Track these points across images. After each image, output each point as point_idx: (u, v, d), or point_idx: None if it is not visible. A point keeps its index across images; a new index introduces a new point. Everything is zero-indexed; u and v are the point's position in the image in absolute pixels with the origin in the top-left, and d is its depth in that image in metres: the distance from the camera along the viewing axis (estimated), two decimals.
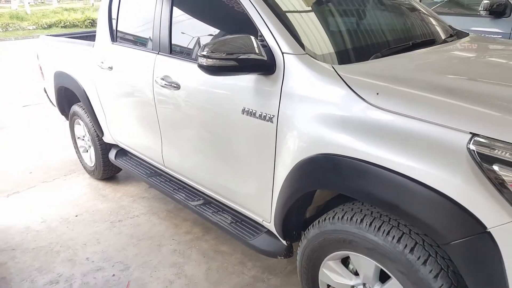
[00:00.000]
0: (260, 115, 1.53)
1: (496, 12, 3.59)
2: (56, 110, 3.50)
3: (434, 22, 2.13)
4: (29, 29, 16.58)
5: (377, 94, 1.22)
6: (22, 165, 3.54)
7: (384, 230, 1.24)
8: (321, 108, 1.34)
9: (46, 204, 2.86)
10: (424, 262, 1.16)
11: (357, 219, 1.31)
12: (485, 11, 3.57)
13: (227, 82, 1.66)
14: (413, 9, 2.17)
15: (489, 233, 0.98)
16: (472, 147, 1.01)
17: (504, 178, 0.97)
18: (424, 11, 2.19)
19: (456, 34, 2.06)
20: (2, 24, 16.55)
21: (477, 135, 1.01)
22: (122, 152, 2.83)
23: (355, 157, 1.21)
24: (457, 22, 3.92)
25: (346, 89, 1.29)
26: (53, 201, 2.90)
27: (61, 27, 17.24)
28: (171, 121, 2.06)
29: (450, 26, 2.18)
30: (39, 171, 3.40)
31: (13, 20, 17.93)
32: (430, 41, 1.81)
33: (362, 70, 1.39)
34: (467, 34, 2.12)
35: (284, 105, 1.45)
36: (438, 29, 2.06)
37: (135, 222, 2.61)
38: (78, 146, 3.32)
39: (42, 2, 28.88)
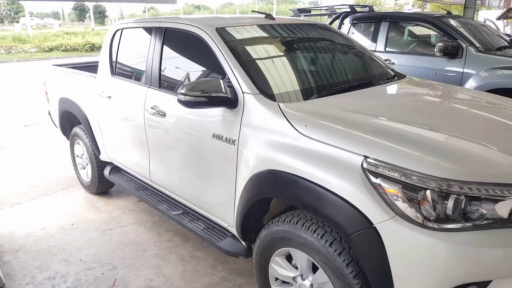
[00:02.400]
0: (226, 139, 1.94)
1: (450, 54, 4.10)
2: (55, 131, 3.89)
3: (377, 65, 2.59)
4: (31, 52, 17.19)
5: (305, 126, 1.64)
6: (24, 179, 3.90)
7: (312, 229, 1.62)
8: (268, 135, 1.76)
9: (46, 214, 3.21)
10: (339, 254, 1.54)
11: (294, 221, 1.69)
12: (439, 53, 4.08)
13: (202, 113, 2.08)
14: (358, 54, 2.64)
15: (375, 228, 1.37)
16: (364, 165, 1.42)
17: (384, 188, 1.37)
18: (369, 56, 2.66)
19: (395, 76, 2.52)
20: (5, 47, 17.15)
21: (368, 157, 1.43)
22: (115, 169, 3.21)
23: (288, 171, 1.62)
24: (418, 61, 4.46)
25: (285, 121, 1.71)
26: (52, 211, 3.25)
27: (62, 50, 17.86)
28: (158, 143, 2.46)
29: (392, 70, 2.64)
30: (40, 185, 3.76)
31: (16, 42, 18.54)
32: (366, 83, 2.26)
33: (300, 108, 1.82)
34: (405, 76, 2.58)
35: (243, 131, 1.86)
36: (378, 71, 2.52)
37: (124, 231, 2.96)
38: (77, 163, 3.70)
39: (44, 26, 29.77)
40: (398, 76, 2.55)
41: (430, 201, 1.32)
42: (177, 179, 2.39)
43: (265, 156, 1.74)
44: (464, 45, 4.09)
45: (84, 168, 3.61)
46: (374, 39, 4.81)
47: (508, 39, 5.08)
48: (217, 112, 1.99)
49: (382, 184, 1.38)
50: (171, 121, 2.29)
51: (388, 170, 1.38)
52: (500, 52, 4.16)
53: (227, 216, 2.07)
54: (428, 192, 1.32)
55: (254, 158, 1.79)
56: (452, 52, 4.09)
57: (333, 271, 1.55)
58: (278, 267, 1.84)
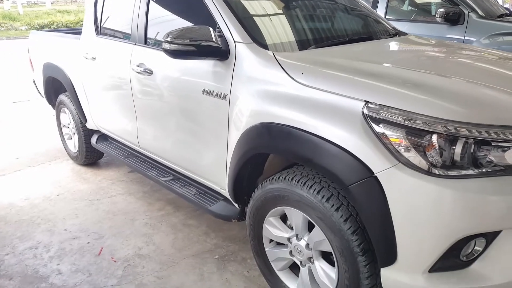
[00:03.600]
0: (216, 94, 1.80)
1: (451, 20, 3.96)
2: (45, 107, 3.72)
3: (378, 22, 2.45)
4: (21, 30, 16.70)
5: (302, 73, 1.51)
6: (9, 152, 3.75)
7: (308, 185, 1.51)
8: (262, 86, 1.62)
9: (30, 185, 3.08)
10: (337, 209, 1.43)
11: (289, 178, 1.58)
12: (441, 19, 3.93)
13: (191, 67, 1.93)
14: (359, 10, 2.49)
15: (376, 177, 1.26)
16: (365, 111, 1.30)
17: (387, 134, 1.26)
18: (371, 12, 2.52)
19: (396, 34, 2.38)
20: None
21: (369, 102, 1.31)
22: (103, 137, 3.07)
23: (283, 123, 1.49)
24: (418, 28, 4.31)
25: (280, 70, 1.58)
26: (37, 182, 3.12)
27: (54, 28, 17.38)
28: (145, 104, 2.32)
29: (393, 28, 2.50)
30: (26, 157, 3.62)
31: (5, 20, 17.98)
32: (367, 37, 2.12)
33: (296, 57, 1.68)
34: (406, 34, 2.44)
35: (235, 84, 1.73)
36: (380, 28, 2.38)
37: (112, 200, 2.85)
38: (64, 133, 3.55)
39: (36, 3, 28.95)
40: (399, 34, 2.41)
41: (437, 146, 1.21)
42: (166, 142, 2.26)
43: (258, 108, 1.61)
44: (466, 11, 3.95)
45: (71, 138, 3.47)
46: (374, 6, 4.63)
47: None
48: (206, 66, 1.85)
49: (384, 130, 1.27)
50: (159, 79, 2.14)
51: (391, 115, 1.26)
52: (501, 19, 4.03)
53: (219, 178, 1.96)
54: (434, 137, 1.21)
55: (246, 112, 1.67)
56: (453, 19, 3.95)
57: (330, 227, 1.45)
58: (272, 228, 1.74)
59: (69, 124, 3.42)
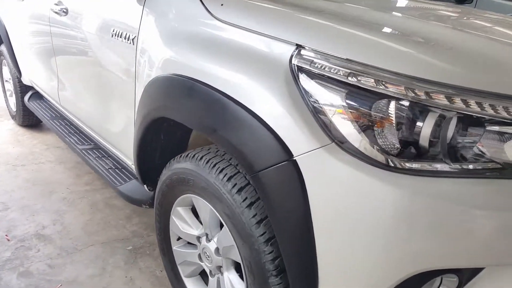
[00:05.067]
0: (125, 36, 1.34)
1: None
2: None
3: None
4: None
5: (222, 4, 1.03)
6: None
7: (219, 167, 1.06)
8: (174, 24, 1.16)
9: None
10: (250, 205, 0.98)
11: (198, 156, 1.13)
12: None
13: (103, 2, 1.46)
14: None
15: (295, 161, 0.81)
16: (294, 61, 0.83)
17: (320, 96, 0.79)
18: None
19: None
20: None
21: (302, 47, 0.84)
22: (36, 96, 2.62)
23: (186, 75, 1.03)
24: None
25: (197, 2, 1.10)
26: None
27: None
28: (63, 51, 1.86)
29: None
30: None
31: None
32: None
33: None
34: None
35: (144, 22, 1.26)
36: None
37: (38, 168, 2.42)
38: (6, 89, 3.11)
39: None
40: None
41: (394, 121, 0.74)
42: (81, 101, 1.81)
43: (163, 54, 1.15)
44: None
45: (12, 95, 3.03)
46: None
47: None
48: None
49: (317, 90, 0.80)
50: (73, 19, 1.68)
51: (329, 67, 0.79)
52: None
53: (128, 149, 1.51)
54: (392, 105, 0.74)
55: (151, 59, 1.20)
56: None
57: (238, 229, 1.00)
58: (180, 221, 1.29)
59: (10, 79, 2.98)
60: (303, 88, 0.82)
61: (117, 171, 1.71)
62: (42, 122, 3.01)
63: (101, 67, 1.55)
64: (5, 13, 2.53)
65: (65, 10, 1.72)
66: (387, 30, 0.92)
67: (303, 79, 0.82)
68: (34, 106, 2.50)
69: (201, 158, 1.12)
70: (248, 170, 0.91)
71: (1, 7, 2.57)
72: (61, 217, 1.95)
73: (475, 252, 0.73)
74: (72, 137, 2.02)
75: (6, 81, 3.08)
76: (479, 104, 0.71)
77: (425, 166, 0.74)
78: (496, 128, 0.73)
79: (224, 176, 1.03)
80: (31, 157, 2.56)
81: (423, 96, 0.72)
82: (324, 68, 0.80)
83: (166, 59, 1.15)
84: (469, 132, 0.74)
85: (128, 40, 1.32)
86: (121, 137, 1.53)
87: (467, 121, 0.73)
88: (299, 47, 0.84)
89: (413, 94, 0.73)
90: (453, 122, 0.73)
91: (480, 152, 0.74)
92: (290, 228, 0.84)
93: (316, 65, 0.81)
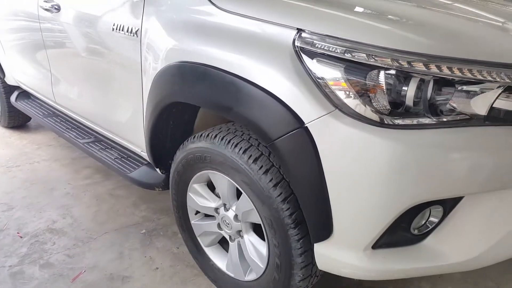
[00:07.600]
0: (127, 30, 1.43)
1: None
2: None
3: None
4: None
5: None
6: None
7: (234, 143, 1.21)
8: (176, 15, 1.28)
9: None
10: (266, 172, 1.14)
11: (212, 135, 1.27)
12: None
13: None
14: None
15: (306, 128, 0.97)
16: (297, 43, 0.99)
17: (322, 71, 0.96)
18: None
19: None
20: None
21: (303, 30, 0.99)
22: (24, 94, 2.63)
23: (197, 61, 1.16)
24: None
25: None
26: None
27: None
28: (57, 49, 1.91)
29: None
30: None
31: None
32: None
33: None
34: None
35: (147, 14, 1.37)
36: None
37: (33, 167, 2.46)
38: None
39: None
40: None
41: (384, 87, 0.92)
42: (81, 96, 1.88)
43: (171, 44, 1.26)
44: None
45: None
46: None
47: None
48: None
49: (319, 66, 0.97)
50: (67, 15, 1.73)
51: (328, 46, 0.95)
52: None
53: (138, 137, 1.61)
54: (381, 74, 0.92)
55: (158, 50, 1.31)
56: None
57: (258, 194, 1.16)
58: (197, 197, 1.44)
59: None
60: (307, 66, 0.98)
61: (123, 160, 1.82)
62: (28, 122, 3.03)
63: (101, 62, 1.63)
64: None
65: (56, 7, 1.77)
66: (374, 12, 1.08)
67: (306, 58, 0.98)
68: (23, 106, 2.51)
69: (215, 136, 1.26)
70: (266, 140, 1.06)
71: None
72: (69, 211, 2.03)
73: (454, 185, 0.94)
74: (71, 132, 2.08)
75: None
76: (449, 69, 0.90)
77: (411, 121, 0.93)
78: (463, 87, 0.93)
79: (240, 150, 1.18)
80: (24, 158, 2.58)
81: (405, 65, 0.90)
82: (324, 48, 0.96)
83: (170, 48, 1.26)
84: (443, 91, 0.93)
85: (130, 33, 1.42)
86: (129, 126, 1.63)
87: (441, 83, 0.92)
88: (300, 30, 1.00)
89: (397, 64, 0.90)
90: (431, 84, 0.92)
91: (452, 107, 0.93)
92: (307, 185, 1.00)
93: (316, 45, 0.97)
